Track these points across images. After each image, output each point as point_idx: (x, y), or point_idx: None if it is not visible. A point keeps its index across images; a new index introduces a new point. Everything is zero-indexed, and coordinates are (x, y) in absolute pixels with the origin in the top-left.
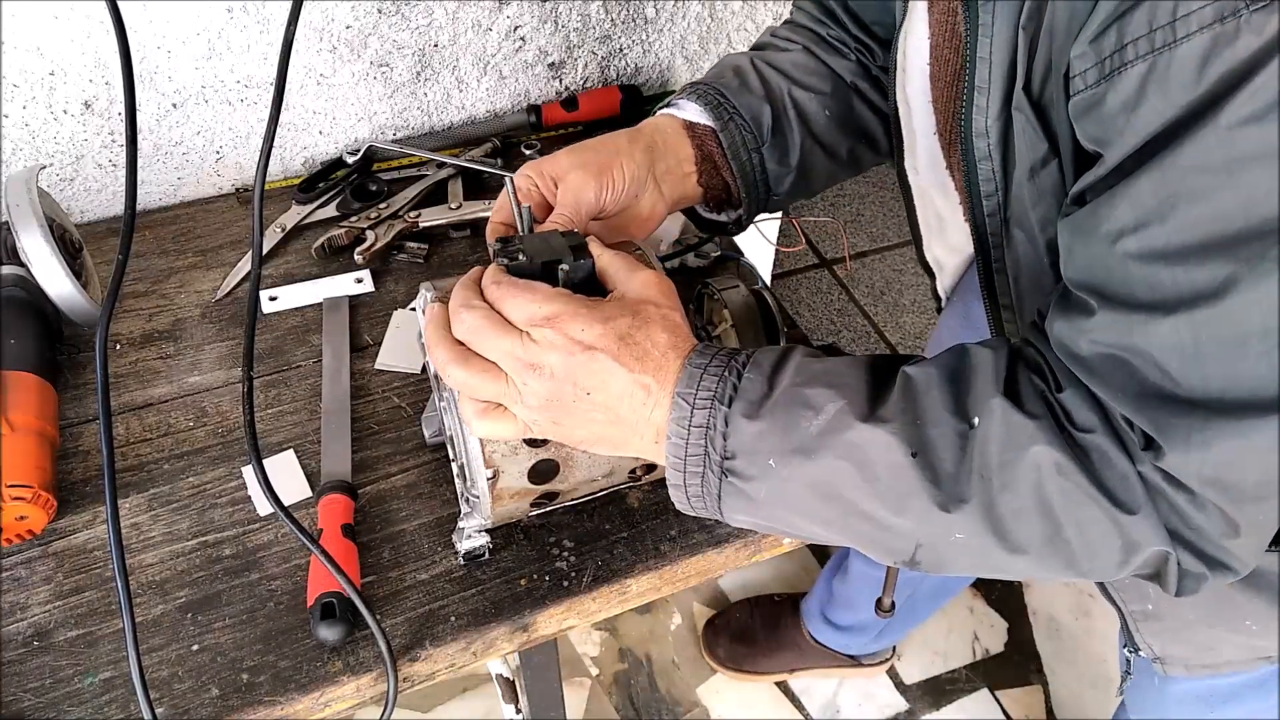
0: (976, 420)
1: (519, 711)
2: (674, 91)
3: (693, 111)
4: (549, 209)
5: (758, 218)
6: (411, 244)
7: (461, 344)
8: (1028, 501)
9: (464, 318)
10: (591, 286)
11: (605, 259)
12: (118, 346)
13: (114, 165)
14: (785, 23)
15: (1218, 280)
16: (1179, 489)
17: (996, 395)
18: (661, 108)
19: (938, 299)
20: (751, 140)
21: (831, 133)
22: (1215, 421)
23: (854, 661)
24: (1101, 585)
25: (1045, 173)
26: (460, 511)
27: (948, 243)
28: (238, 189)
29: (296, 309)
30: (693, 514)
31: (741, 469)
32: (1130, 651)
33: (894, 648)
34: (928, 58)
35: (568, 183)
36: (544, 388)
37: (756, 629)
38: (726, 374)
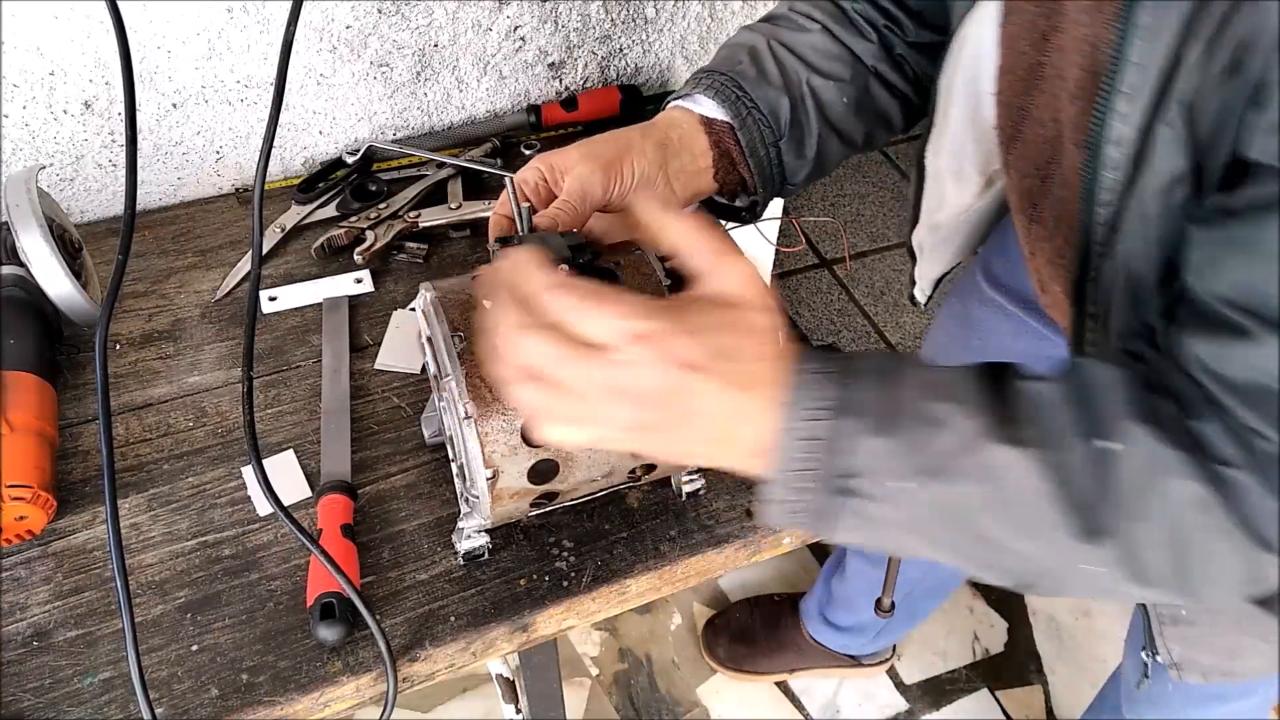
0: (1117, 446)
1: (519, 711)
2: (674, 91)
3: (709, 106)
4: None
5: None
6: (411, 244)
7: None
8: (1163, 535)
9: (527, 349)
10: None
11: (689, 238)
12: (117, 346)
13: (114, 165)
14: None
15: None
16: None
17: (1137, 421)
18: (675, 98)
19: (913, 283)
20: (769, 134)
21: (848, 120)
22: None
23: (854, 661)
24: None
25: (1181, 188)
26: (460, 511)
27: (932, 222)
28: (238, 189)
29: (296, 309)
30: (787, 527)
31: (858, 487)
32: (1149, 655)
33: (894, 647)
34: (995, 48)
35: (574, 174)
36: (634, 414)
37: (756, 629)
38: (840, 384)
